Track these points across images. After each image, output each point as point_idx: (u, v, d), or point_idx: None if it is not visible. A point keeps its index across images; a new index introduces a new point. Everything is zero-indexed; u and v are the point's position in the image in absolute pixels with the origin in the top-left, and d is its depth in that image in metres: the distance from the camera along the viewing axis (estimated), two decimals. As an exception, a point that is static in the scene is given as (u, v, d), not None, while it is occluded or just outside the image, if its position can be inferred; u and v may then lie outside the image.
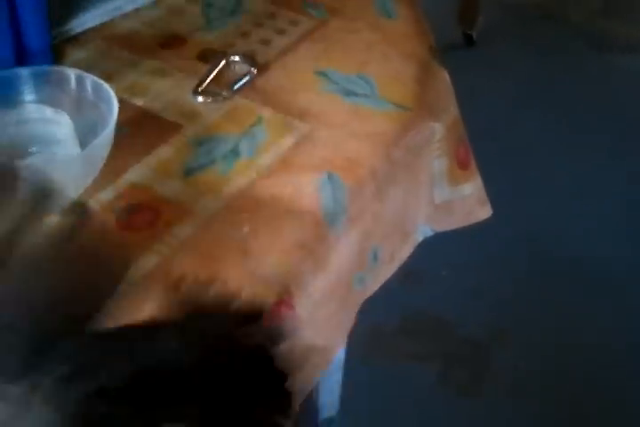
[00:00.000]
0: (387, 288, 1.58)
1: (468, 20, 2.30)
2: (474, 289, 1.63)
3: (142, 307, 0.56)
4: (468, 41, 2.32)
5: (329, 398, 1.36)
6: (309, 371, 0.69)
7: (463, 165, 0.88)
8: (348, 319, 0.75)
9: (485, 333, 1.55)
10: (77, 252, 0.42)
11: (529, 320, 1.57)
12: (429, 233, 0.89)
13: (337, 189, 0.70)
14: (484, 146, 1.72)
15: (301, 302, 0.64)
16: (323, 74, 0.83)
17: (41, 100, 0.67)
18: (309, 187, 0.69)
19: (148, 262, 0.61)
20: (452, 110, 0.87)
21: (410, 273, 1.66)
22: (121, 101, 0.65)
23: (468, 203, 0.90)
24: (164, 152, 0.71)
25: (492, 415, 1.42)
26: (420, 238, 0.88)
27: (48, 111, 0.65)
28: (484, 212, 0.92)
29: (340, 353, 1.22)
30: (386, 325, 1.56)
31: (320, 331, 0.69)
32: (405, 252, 0.84)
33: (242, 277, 0.61)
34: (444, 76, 0.90)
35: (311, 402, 1.37)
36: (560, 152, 1.99)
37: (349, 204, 0.70)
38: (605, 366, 1.50)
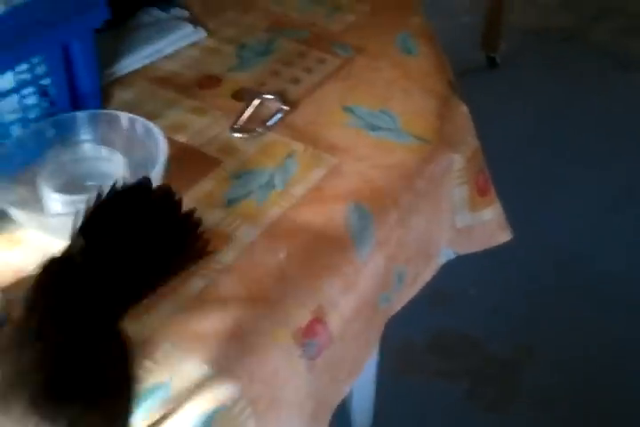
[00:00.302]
0: (417, 308, 1.65)
1: (491, 42, 2.37)
2: (500, 307, 1.69)
3: (195, 326, 0.64)
4: (491, 63, 2.40)
5: (362, 413, 1.43)
6: (338, 386, 0.77)
7: (483, 192, 0.95)
8: (374, 337, 0.82)
9: (512, 350, 1.61)
10: None
11: (555, 337, 1.62)
12: (452, 256, 0.96)
13: (363, 218, 0.78)
14: (507, 165, 1.81)
15: (333, 320, 0.71)
16: (349, 109, 0.91)
17: (96, 140, 0.75)
18: (338, 215, 0.77)
19: (194, 287, 0.69)
20: (471, 142, 0.95)
21: (438, 293, 1.73)
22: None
23: (489, 227, 0.97)
24: (207, 185, 0.79)
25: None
26: (443, 261, 0.95)
27: (102, 150, 0.73)
28: (504, 235, 0.99)
29: (372, 369, 1.29)
30: (416, 343, 1.63)
31: (349, 347, 0.76)
32: (428, 274, 0.91)
33: (278, 295, 0.68)
34: (464, 110, 0.97)
35: (344, 417, 1.44)
36: (583, 172, 2.05)
37: (375, 230, 0.78)
38: (633, 382, 1.55)
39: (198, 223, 0.57)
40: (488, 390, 1.54)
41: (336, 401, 0.77)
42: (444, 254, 0.95)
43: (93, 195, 0.52)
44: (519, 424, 1.48)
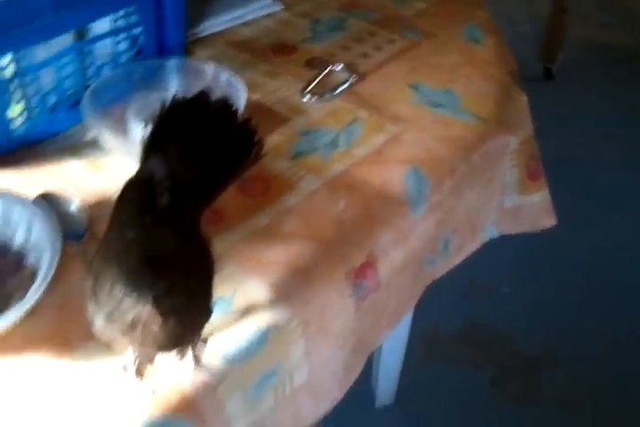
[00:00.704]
0: (450, 298, 1.72)
1: (549, 54, 2.43)
2: (531, 307, 1.75)
3: (259, 254, 0.71)
4: (547, 74, 2.45)
5: (385, 389, 1.49)
6: (378, 330, 0.83)
7: (533, 177, 1.01)
8: (416, 294, 0.88)
9: (538, 348, 1.66)
10: None
11: (581, 341, 1.67)
12: (496, 234, 1.02)
13: (420, 181, 0.84)
14: (555, 172, 1.86)
15: (383, 268, 0.77)
16: (413, 87, 0.97)
17: (180, 86, 0.83)
18: (396, 176, 0.83)
19: (260, 222, 0.75)
20: (527, 129, 1.01)
21: (475, 286, 1.79)
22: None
23: (535, 211, 1.03)
24: (276, 138, 0.86)
25: (544, 422, 1.53)
26: (487, 238, 1.01)
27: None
28: (549, 221, 1.04)
29: (400, 348, 1.35)
30: (446, 331, 1.69)
31: (393, 296, 0.82)
32: (472, 247, 0.97)
33: (336, 238, 0.75)
34: (523, 99, 1.03)
35: (369, 392, 1.51)
36: (630, 184, 2.11)
37: (429, 195, 0.84)
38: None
39: (254, 131, 0.63)
40: (511, 384, 1.60)
41: (374, 345, 0.83)
42: (489, 232, 1.01)
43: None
44: (538, 418, 1.53)
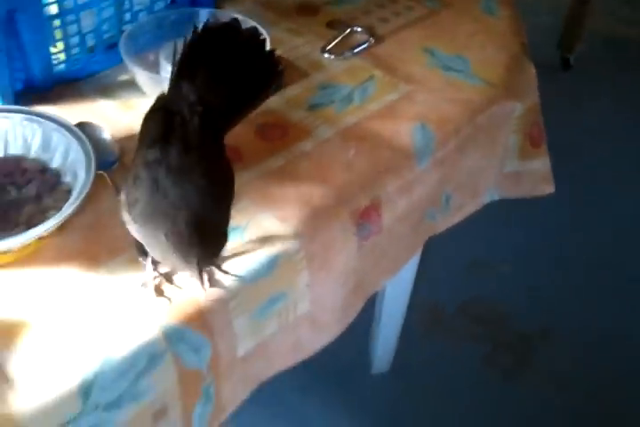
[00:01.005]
0: (454, 275, 1.78)
1: (568, 43, 2.47)
2: (532, 287, 1.81)
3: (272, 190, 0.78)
4: (565, 64, 2.50)
5: (382, 356, 1.56)
6: (378, 274, 0.89)
7: (535, 144, 1.07)
8: (415, 245, 0.95)
9: (534, 327, 1.73)
10: None
11: (577, 323, 1.73)
12: (496, 197, 1.08)
13: (427, 136, 0.90)
14: (569, 161, 1.93)
15: (386, 213, 0.84)
16: (428, 51, 1.03)
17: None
18: (405, 130, 0.89)
19: (275, 163, 0.82)
20: (533, 97, 1.06)
21: (477, 263, 1.86)
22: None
23: (534, 177, 1.09)
24: (295, 90, 0.93)
25: (532, 399, 1.59)
26: (488, 200, 1.07)
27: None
28: (548, 188, 1.10)
29: (398, 316, 1.42)
30: (446, 305, 1.76)
31: (394, 243, 0.88)
32: (472, 207, 1.03)
33: (344, 181, 0.81)
34: (531, 69, 1.08)
35: (365, 359, 1.58)
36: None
37: (435, 150, 0.90)
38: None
39: (279, 60, 0.68)
40: (506, 359, 1.66)
41: (373, 288, 0.89)
42: (489, 195, 1.07)
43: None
44: (526, 394, 1.60)
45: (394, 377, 1.59)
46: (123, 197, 0.61)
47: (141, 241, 0.61)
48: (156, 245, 0.59)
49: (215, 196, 0.60)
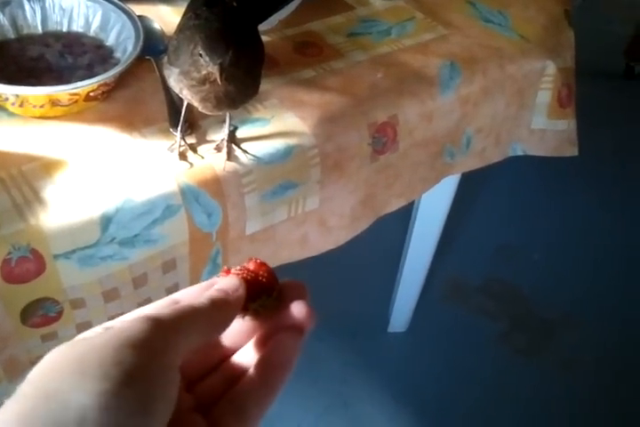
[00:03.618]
0: (481, 255, 1.88)
1: (635, 53, 2.54)
2: (558, 276, 1.89)
3: (299, 95, 0.89)
4: (629, 73, 2.57)
5: (400, 315, 1.66)
6: (389, 196, 1.00)
7: (563, 104, 1.16)
8: (430, 179, 1.05)
9: (555, 312, 1.81)
10: None
11: (600, 314, 1.81)
12: (519, 153, 1.17)
13: (454, 72, 1.00)
14: (615, 164, 2.01)
15: (402, 133, 0.94)
16: (471, 3, 1.14)
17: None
18: (433, 64, 1.00)
19: (307, 75, 0.93)
20: (568, 60, 1.15)
21: (505, 247, 1.95)
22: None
23: (560, 137, 1.18)
24: (338, 19, 1.04)
25: (545, 381, 1.67)
26: (511, 153, 1.16)
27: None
28: (571, 150, 1.19)
29: (419, 280, 1.52)
30: (469, 281, 1.85)
31: (408, 167, 0.98)
32: (494, 155, 1.13)
33: (366, 96, 0.92)
34: (570, 35, 1.18)
35: (384, 317, 1.68)
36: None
37: (459, 86, 1.00)
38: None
39: None
40: (522, 338, 1.74)
41: (382, 209, 1.00)
42: (513, 149, 1.17)
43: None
44: (539, 374, 1.68)
45: (409, 338, 1.70)
46: (166, 59, 0.73)
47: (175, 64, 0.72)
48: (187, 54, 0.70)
49: (250, 59, 0.71)
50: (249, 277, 0.42)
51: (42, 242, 0.69)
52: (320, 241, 0.94)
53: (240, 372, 0.42)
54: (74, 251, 0.71)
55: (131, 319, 0.36)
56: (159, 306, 0.41)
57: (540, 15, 1.15)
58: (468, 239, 1.96)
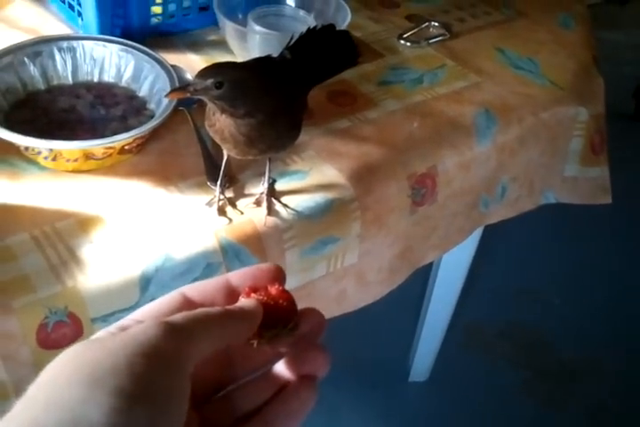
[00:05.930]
0: (501, 298, 1.84)
1: (643, 94, 2.55)
2: (579, 320, 1.85)
3: (336, 146, 0.86)
4: (639, 114, 2.57)
5: (421, 366, 1.62)
6: (427, 248, 0.96)
7: (596, 151, 1.14)
8: (466, 229, 1.02)
9: (578, 357, 1.77)
10: None
11: (623, 359, 1.77)
12: (552, 200, 1.14)
13: (490, 121, 0.98)
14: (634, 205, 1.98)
15: (441, 184, 0.92)
16: (500, 50, 1.12)
17: (296, 4, 0.99)
18: (469, 112, 0.97)
19: (342, 124, 0.91)
20: (599, 106, 1.13)
21: (525, 292, 1.91)
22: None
23: (592, 185, 1.15)
24: (369, 67, 1.02)
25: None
26: (544, 201, 1.14)
27: (300, 12, 0.97)
28: (605, 198, 1.16)
29: (440, 330, 1.48)
30: (490, 327, 1.81)
31: (446, 219, 0.95)
32: (527, 204, 1.10)
33: (405, 147, 0.89)
34: (600, 81, 1.16)
35: (405, 368, 1.63)
36: None
37: (496, 134, 0.98)
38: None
39: (360, 53, 0.85)
40: (545, 385, 1.70)
41: (419, 261, 0.96)
42: (545, 197, 1.14)
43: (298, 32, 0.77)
44: (566, 423, 1.63)
45: (429, 387, 1.65)
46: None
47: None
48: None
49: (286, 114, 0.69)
50: (270, 303, 0.42)
51: (80, 305, 0.66)
52: (358, 296, 0.90)
53: (250, 407, 0.42)
54: (112, 313, 0.67)
55: (145, 324, 0.36)
56: (168, 303, 0.42)
57: (570, 61, 1.13)
58: (487, 284, 1.93)
